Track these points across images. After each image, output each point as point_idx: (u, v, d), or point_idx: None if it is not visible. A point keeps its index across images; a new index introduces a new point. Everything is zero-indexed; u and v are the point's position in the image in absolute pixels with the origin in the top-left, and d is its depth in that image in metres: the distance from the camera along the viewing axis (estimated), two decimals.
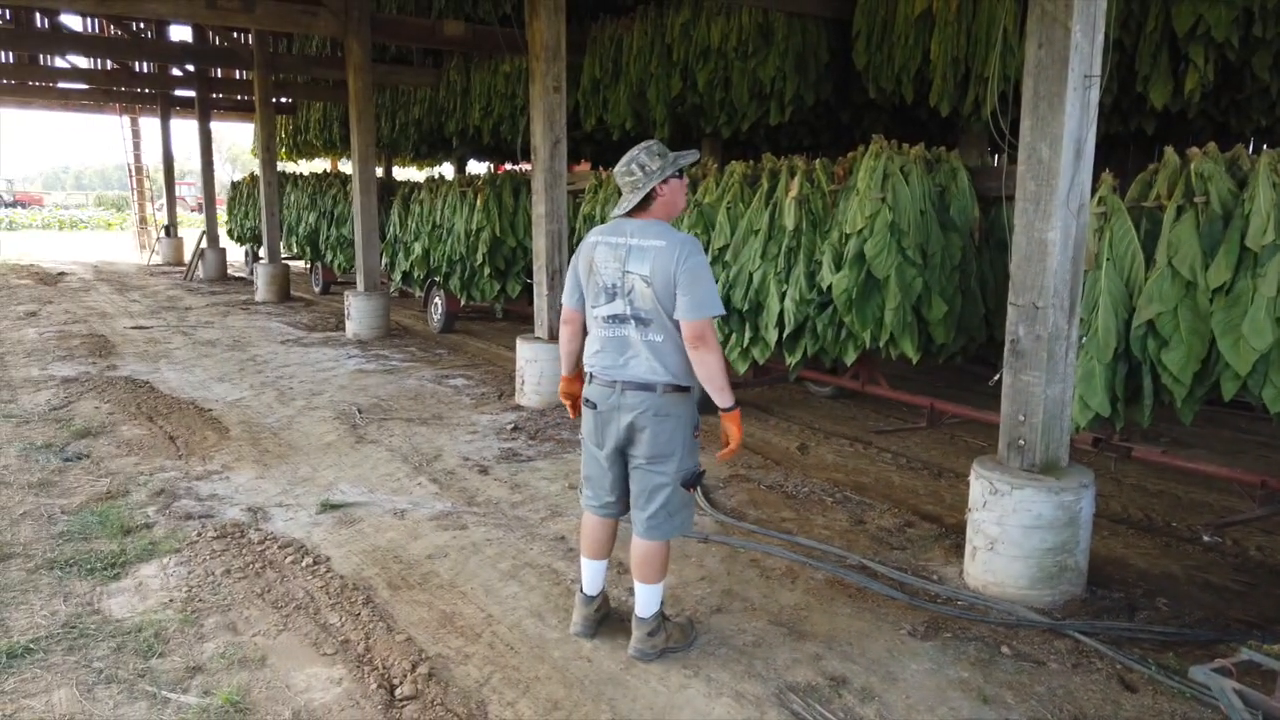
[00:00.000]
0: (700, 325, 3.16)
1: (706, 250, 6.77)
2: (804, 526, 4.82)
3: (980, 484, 4.10)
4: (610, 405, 3.33)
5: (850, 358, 6.14)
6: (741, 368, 6.68)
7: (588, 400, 3.42)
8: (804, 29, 9.19)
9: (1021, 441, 4.11)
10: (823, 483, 5.59)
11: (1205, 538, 4.71)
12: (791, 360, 6.37)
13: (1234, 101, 6.96)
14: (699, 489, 5.25)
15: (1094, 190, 4.58)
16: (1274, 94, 6.53)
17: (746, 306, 6.49)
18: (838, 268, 5.93)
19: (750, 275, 6.51)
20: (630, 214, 3.32)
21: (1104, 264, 4.50)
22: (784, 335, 6.30)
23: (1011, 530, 3.96)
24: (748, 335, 6.53)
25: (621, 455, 3.41)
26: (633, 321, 3.27)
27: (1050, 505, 3.91)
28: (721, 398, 3.26)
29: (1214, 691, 2.37)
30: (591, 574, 3.61)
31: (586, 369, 3.45)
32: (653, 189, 3.25)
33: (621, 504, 3.50)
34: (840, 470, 5.93)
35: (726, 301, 6.50)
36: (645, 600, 3.44)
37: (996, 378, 4.29)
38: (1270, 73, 6.23)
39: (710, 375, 3.22)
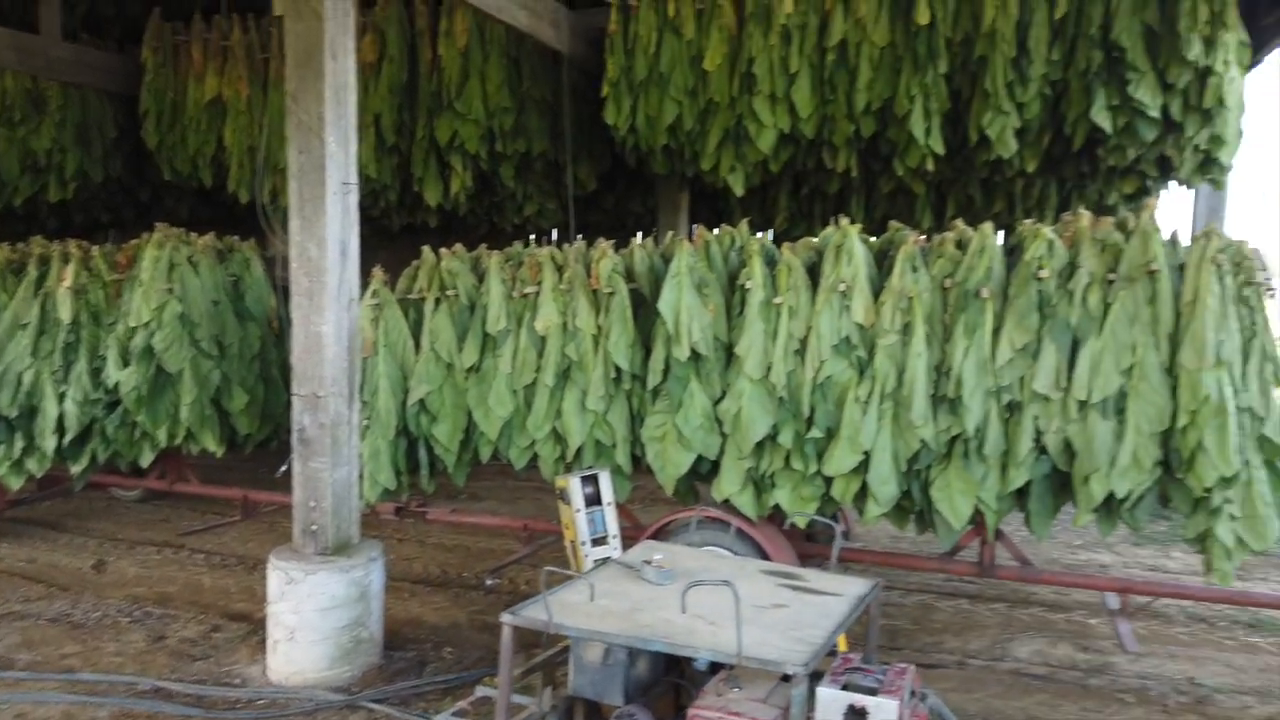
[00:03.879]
0: None
1: None
2: (91, 659, 4.31)
3: (277, 575, 4.13)
4: None
5: (147, 458, 5.73)
6: (16, 483, 5.76)
7: None
8: (85, 100, 8.40)
9: (314, 526, 4.26)
10: (121, 602, 5.07)
11: (488, 582, 5.41)
12: (76, 469, 5.70)
13: (493, 203, 8.25)
14: None
15: (369, 284, 5.01)
16: (520, 199, 7.90)
17: (17, 412, 5.65)
18: (125, 363, 5.50)
19: (19, 376, 5.68)
20: None
21: (381, 350, 4.92)
22: (66, 441, 5.61)
23: (309, 616, 4.06)
24: (20, 445, 5.66)
25: None
26: None
27: (343, 584, 4.12)
28: None
29: None
30: None
31: None
32: None
33: None
34: (144, 583, 5.44)
35: None
36: None
37: (285, 467, 4.39)
38: (515, 181, 7.52)
39: None
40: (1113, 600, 4.40)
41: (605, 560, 3.63)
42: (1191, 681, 4.31)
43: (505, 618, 2.71)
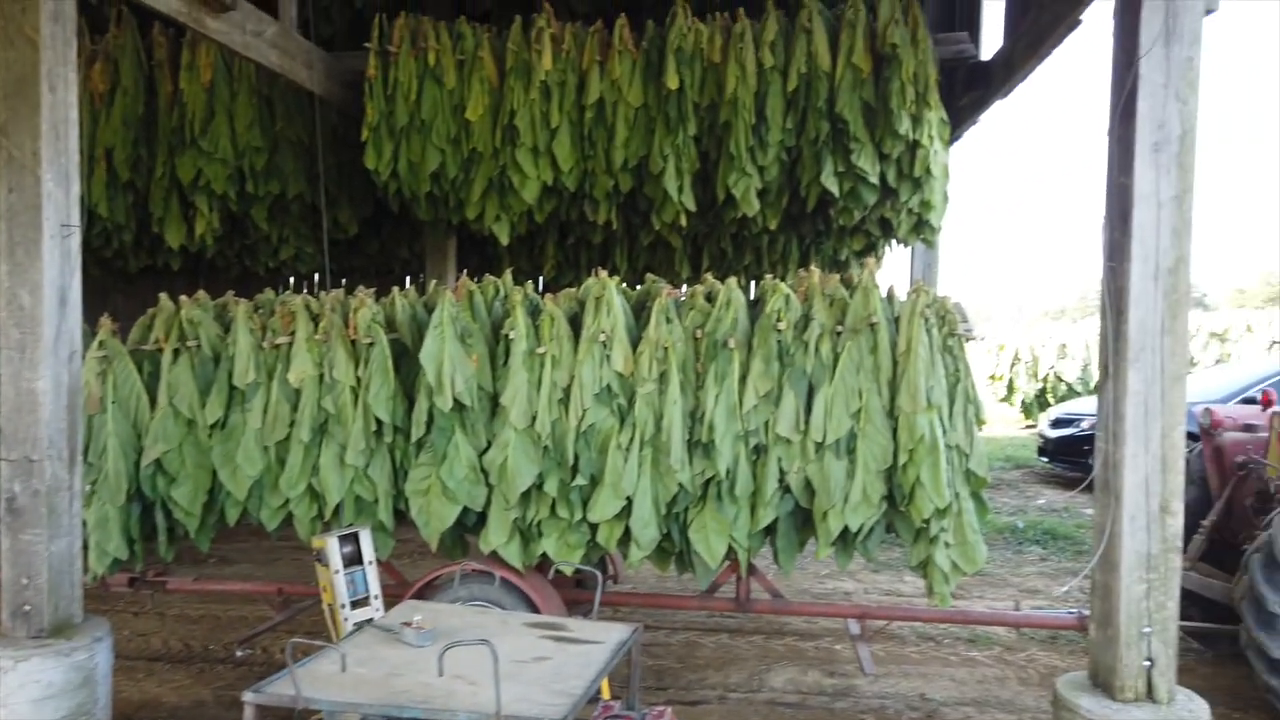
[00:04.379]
0: None
1: None
2: None
3: None
4: None
5: None
6: None
7: None
8: None
9: (27, 607, 3.81)
10: None
11: (238, 653, 5.04)
12: None
13: (245, 245, 7.81)
14: None
15: (96, 334, 4.58)
16: (275, 242, 7.53)
17: None
18: None
19: None
20: None
21: (110, 407, 4.50)
22: None
23: (20, 708, 3.60)
24: None
25: None
26: None
27: (62, 669, 3.69)
28: None
29: None
30: None
31: None
32: None
33: None
34: None
35: None
36: None
37: None
38: (269, 224, 7.16)
39: None
40: (854, 626, 4.76)
41: (364, 624, 3.50)
42: (922, 697, 4.74)
43: (247, 696, 2.54)
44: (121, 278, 8.80)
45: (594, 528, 4.30)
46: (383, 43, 6.14)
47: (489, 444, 4.36)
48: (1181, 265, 3.52)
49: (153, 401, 4.56)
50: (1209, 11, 3.49)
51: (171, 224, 6.84)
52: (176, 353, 4.59)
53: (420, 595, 4.28)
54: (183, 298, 4.76)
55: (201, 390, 4.56)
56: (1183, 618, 3.80)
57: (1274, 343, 18.83)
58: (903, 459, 3.96)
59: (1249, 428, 5.33)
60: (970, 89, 6.71)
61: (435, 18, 6.27)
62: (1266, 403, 5.56)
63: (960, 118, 6.91)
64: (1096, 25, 4.39)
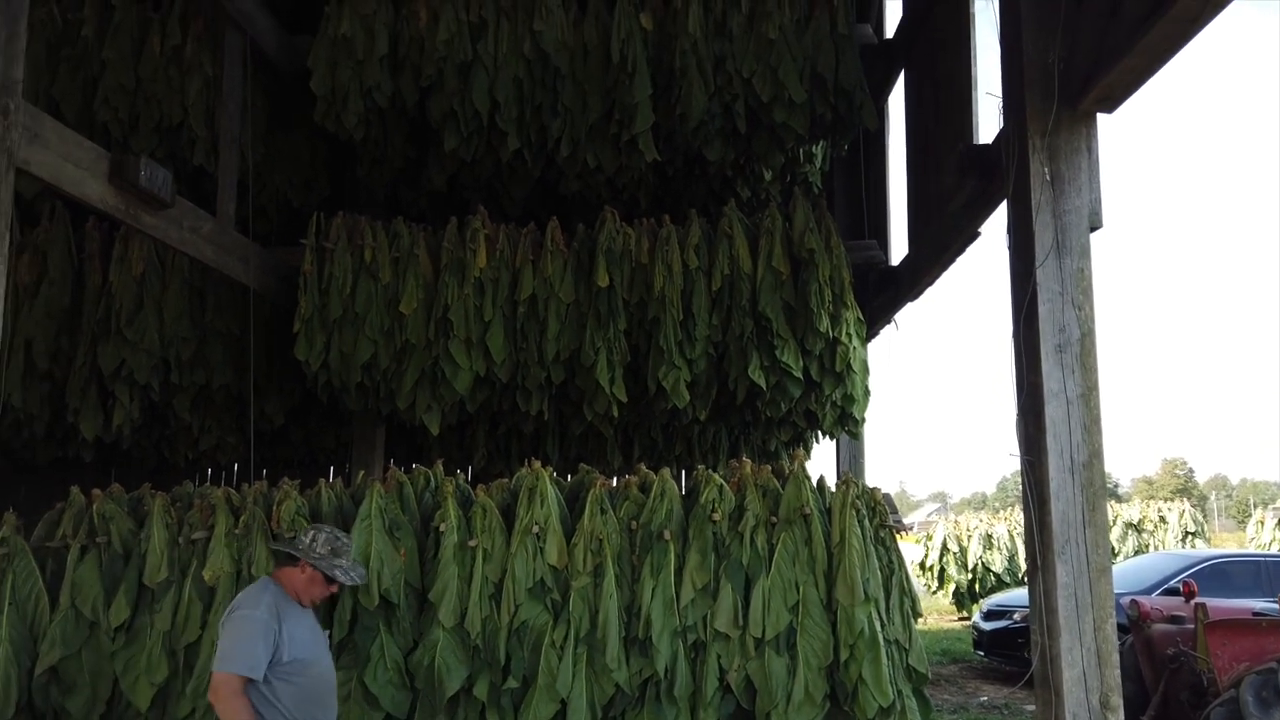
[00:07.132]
0: (216, 678, 3.38)
1: None
2: None
3: None
4: None
5: None
6: None
7: None
8: None
9: None
10: None
11: None
12: None
13: (164, 435, 7.59)
14: None
15: None
16: (195, 432, 7.34)
17: None
18: None
19: None
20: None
21: (6, 609, 4.20)
22: None
23: None
24: None
25: None
26: None
27: None
28: None
29: None
30: None
31: None
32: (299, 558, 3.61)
33: None
34: None
35: None
36: None
37: None
38: (191, 414, 7.00)
39: None
40: None
41: None
42: None
43: None
44: (28, 470, 8.40)
45: None
46: (319, 239, 6.30)
47: (415, 644, 4.17)
48: (1095, 460, 3.70)
49: (53, 602, 4.28)
50: (1094, 228, 3.86)
51: (88, 414, 6.62)
52: (84, 549, 4.36)
53: None
54: (95, 490, 4.57)
55: (108, 589, 4.31)
56: None
57: (1188, 534, 19.50)
58: (844, 655, 3.91)
59: (1175, 619, 5.43)
60: (882, 291, 7.15)
61: (372, 217, 6.50)
62: (1189, 594, 5.70)
63: (875, 317, 7.32)
64: (998, 235, 4.79)
